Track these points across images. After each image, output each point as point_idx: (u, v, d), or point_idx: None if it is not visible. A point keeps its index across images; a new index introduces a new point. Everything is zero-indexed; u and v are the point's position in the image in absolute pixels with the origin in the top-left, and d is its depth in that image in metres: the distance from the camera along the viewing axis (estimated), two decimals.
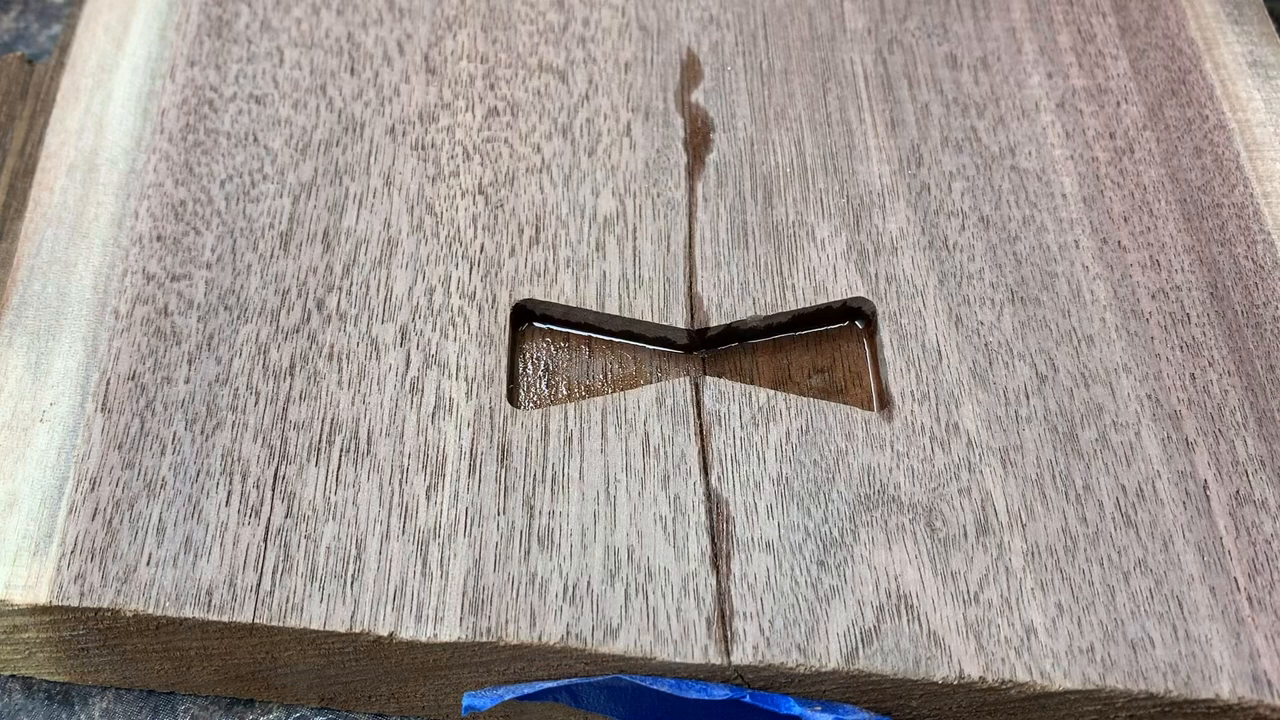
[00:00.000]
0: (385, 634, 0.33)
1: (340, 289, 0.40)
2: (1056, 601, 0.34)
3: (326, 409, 0.37)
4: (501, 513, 0.35)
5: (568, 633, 0.33)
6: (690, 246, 0.41)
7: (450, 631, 0.33)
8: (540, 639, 0.33)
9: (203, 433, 0.37)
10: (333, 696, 0.37)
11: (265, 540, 0.35)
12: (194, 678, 0.36)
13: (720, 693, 0.33)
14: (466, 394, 0.38)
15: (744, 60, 0.46)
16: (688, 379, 0.38)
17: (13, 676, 0.37)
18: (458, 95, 0.45)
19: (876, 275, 0.40)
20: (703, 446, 0.37)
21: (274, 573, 0.34)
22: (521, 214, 0.42)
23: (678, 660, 0.33)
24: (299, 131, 0.43)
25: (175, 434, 0.37)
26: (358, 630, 0.34)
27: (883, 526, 0.35)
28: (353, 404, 0.37)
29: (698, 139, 0.44)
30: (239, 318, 0.39)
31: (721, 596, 0.34)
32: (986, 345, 0.39)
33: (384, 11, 0.47)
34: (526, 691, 0.34)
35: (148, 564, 0.34)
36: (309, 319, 0.39)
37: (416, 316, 0.39)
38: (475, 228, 0.41)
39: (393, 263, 0.40)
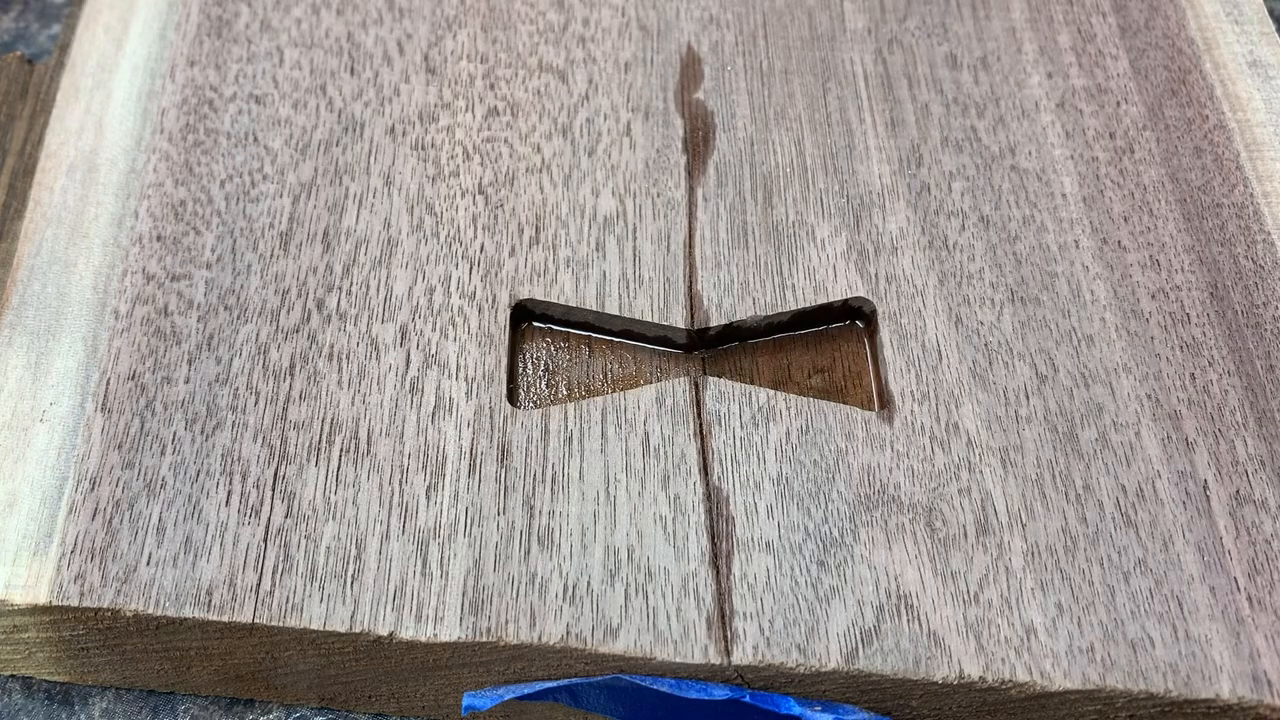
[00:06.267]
0: (385, 634, 0.33)
1: (340, 289, 0.40)
2: (1056, 601, 0.34)
3: (326, 409, 0.37)
4: (501, 513, 0.35)
5: (568, 633, 0.33)
6: (690, 246, 0.41)
7: (450, 631, 0.33)
8: (540, 639, 0.33)
9: (203, 433, 0.37)
10: (333, 696, 0.37)
11: (265, 540, 0.35)
12: (194, 678, 0.36)
13: (720, 693, 0.33)
14: (466, 394, 0.38)
15: (744, 60, 0.46)
16: (688, 379, 0.38)
17: (13, 676, 0.37)
18: (458, 95, 0.45)
19: (876, 275, 0.40)
20: (703, 446, 0.37)
21: (274, 572, 0.34)
22: (521, 214, 0.42)
23: (678, 660, 0.33)
24: (299, 131, 0.43)
25: (175, 434, 0.37)
26: (358, 630, 0.34)
27: (883, 526, 0.35)
28: (353, 404, 0.37)
29: (698, 139, 0.44)
30: (239, 318, 0.39)
31: (721, 596, 0.34)
32: (986, 345, 0.39)
33: (384, 11, 0.47)
34: (526, 691, 0.34)
35: (148, 564, 0.34)
36: (309, 319, 0.39)
37: (416, 316, 0.39)
38: (475, 228, 0.41)
39: (393, 262, 0.40)
